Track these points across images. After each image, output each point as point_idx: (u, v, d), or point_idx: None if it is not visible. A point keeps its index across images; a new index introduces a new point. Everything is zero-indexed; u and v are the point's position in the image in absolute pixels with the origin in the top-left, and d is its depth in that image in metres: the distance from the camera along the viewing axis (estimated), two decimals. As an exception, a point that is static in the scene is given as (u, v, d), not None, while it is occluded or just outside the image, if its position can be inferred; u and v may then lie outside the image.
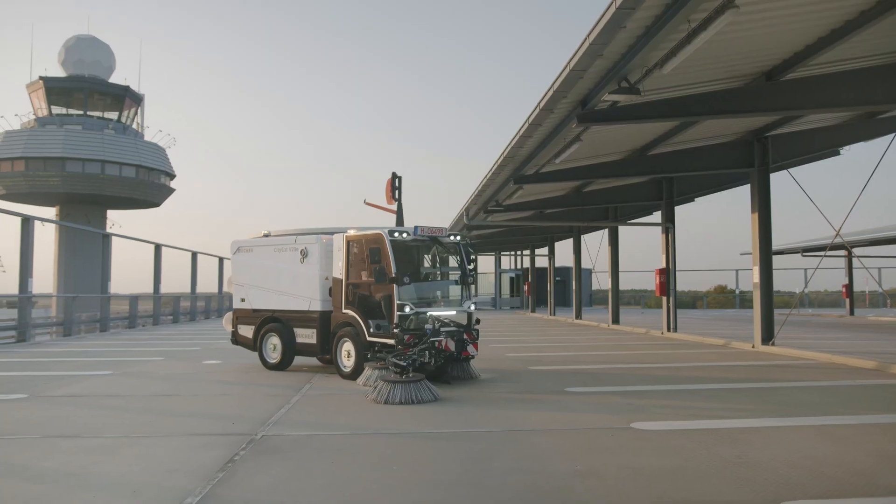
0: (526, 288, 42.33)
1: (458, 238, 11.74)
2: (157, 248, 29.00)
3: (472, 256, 12.04)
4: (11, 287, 19.93)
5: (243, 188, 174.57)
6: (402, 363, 9.45)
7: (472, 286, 11.76)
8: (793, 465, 5.75)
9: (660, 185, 21.40)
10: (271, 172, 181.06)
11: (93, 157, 52.37)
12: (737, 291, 46.70)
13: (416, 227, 11.13)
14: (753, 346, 15.97)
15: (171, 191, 59.89)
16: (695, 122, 13.82)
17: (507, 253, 53.14)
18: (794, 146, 16.79)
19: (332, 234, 12.19)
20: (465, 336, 10.99)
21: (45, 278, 54.20)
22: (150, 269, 28.90)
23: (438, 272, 12.21)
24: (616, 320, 25.62)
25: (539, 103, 9.99)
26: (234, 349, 14.67)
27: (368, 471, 5.74)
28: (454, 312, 11.31)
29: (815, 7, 8.52)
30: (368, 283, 11.10)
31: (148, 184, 56.12)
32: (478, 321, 11.57)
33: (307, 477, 5.53)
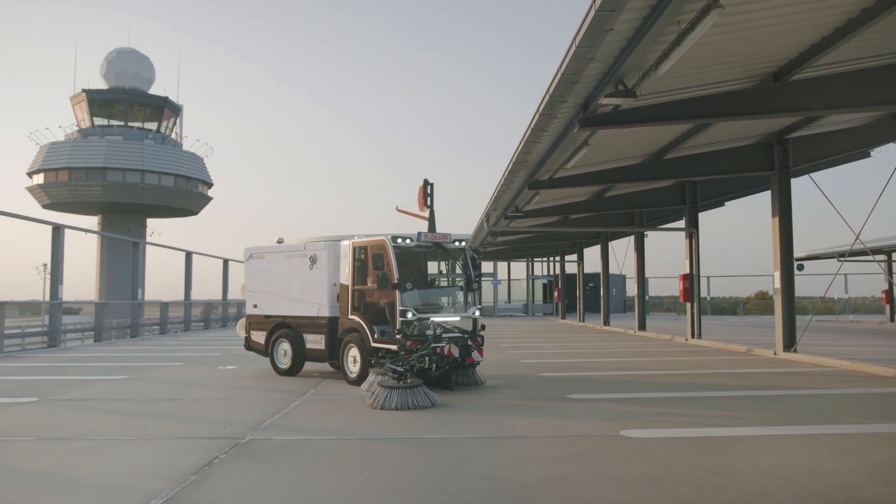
0: (556, 294, 42.00)
1: (464, 244, 11.72)
2: (188, 255, 29.57)
3: (478, 262, 12.00)
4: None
5: (280, 196, 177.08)
6: (399, 368, 9.45)
7: (478, 292, 11.72)
8: (772, 474, 5.60)
9: (683, 190, 21.09)
10: (308, 180, 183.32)
11: (133, 166, 53.68)
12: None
13: (419, 234, 11.15)
14: (775, 353, 15.60)
15: (209, 199, 61.03)
16: (708, 125, 13.59)
17: (540, 259, 52.83)
18: (817, 148, 16.39)
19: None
20: (469, 342, 10.96)
21: (89, 285, 55.80)
22: (194, 276, 29.51)
23: (444, 278, 12.20)
24: (642, 326, 25.28)
25: (538, 108, 9.94)
26: (252, 355, 14.83)
27: (338, 476, 5.76)
28: (458, 318, 11.28)
29: (811, 6, 8.32)
30: (373, 289, 11.14)
31: (186, 192, 57.27)
32: (483, 327, 11.54)
33: (275, 482, 5.56)
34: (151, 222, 60.07)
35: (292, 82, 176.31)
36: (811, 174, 18.56)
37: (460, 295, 11.80)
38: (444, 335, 10.73)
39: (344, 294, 11.76)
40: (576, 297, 36.95)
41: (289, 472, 5.86)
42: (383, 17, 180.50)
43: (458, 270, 11.90)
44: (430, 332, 10.53)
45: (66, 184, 52.91)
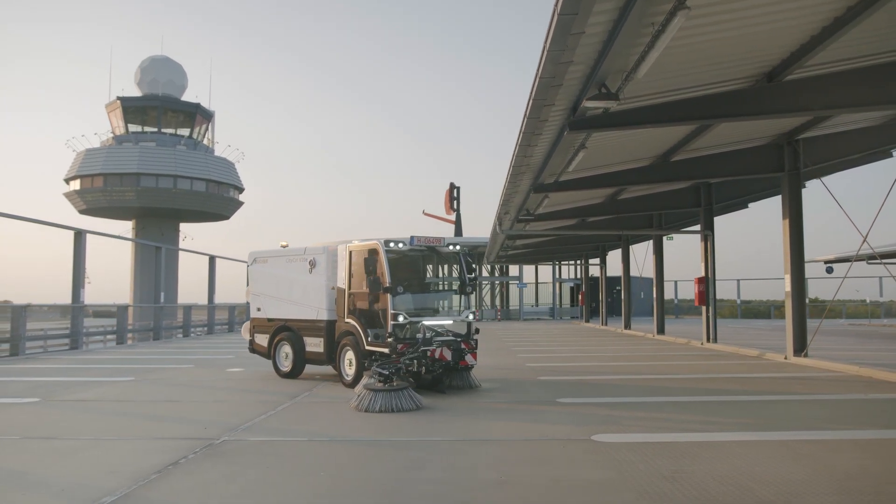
0: (580, 298, 41.75)
1: (458, 248, 11.76)
2: (212, 259, 30.11)
3: (473, 266, 12.04)
4: (96, 297, 21.09)
5: (310, 199, 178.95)
6: (384, 371, 9.52)
7: (472, 295, 11.76)
8: (725, 481, 5.54)
9: (698, 192, 20.84)
10: (339, 183, 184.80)
11: (166, 172, 54.74)
12: (807, 300, 44.72)
13: (412, 237, 11.22)
14: (786, 358, 15.33)
15: (240, 204, 61.94)
16: (710, 127, 13.43)
17: (567, 262, 52.49)
18: (830, 149, 16.01)
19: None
20: (463, 345, 11.00)
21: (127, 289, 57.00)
22: (223, 280, 30.14)
23: (439, 282, 12.28)
24: (661, 330, 25.00)
25: (525, 112, 9.94)
26: (260, 357, 15.04)
27: (293, 477, 5.86)
28: (451, 322, 11.32)
29: (793, 4, 8.19)
30: (367, 292, 11.24)
31: (217, 197, 58.20)
32: (477, 331, 11.57)
33: (230, 481, 5.69)
34: (184, 227, 61.19)
35: (323, 86, 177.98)
36: (828, 176, 18.23)
37: (455, 298, 11.86)
38: (436, 339, 10.79)
39: (340, 298, 11.89)
40: (604, 301, 36.72)
41: (247, 473, 5.99)
42: (414, 20, 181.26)
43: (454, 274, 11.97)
44: (419, 336, 10.60)
45: (101, 189, 54.18)
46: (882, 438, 7.32)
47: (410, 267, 12.00)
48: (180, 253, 49.14)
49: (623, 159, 16.30)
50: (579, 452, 6.61)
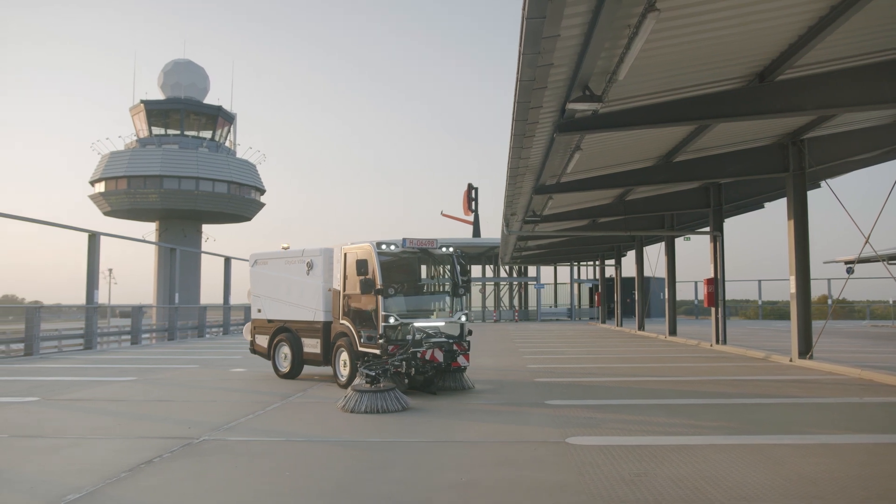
0: (596, 299, 41.55)
1: (451, 250, 11.82)
2: (227, 260, 30.44)
3: (467, 268, 12.08)
4: (124, 298, 21.53)
5: (331, 200, 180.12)
6: (371, 373, 9.60)
7: (465, 297, 11.80)
8: (682, 483, 5.53)
9: (708, 192, 20.65)
10: (360, 184, 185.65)
11: (188, 174, 55.46)
12: (829, 301, 44.11)
13: (403, 240, 11.30)
14: (791, 360, 15.15)
15: (262, 205, 62.54)
16: (708, 128, 13.31)
17: (586, 263, 52.22)
18: (839, 149, 15.76)
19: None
20: (455, 347, 11.04)
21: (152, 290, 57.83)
22: (242, 281, 30.54)
23: (433, 284, 12.33)
24: (673, 332, 24.79)
25: (512, 114, 9.96)
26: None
27: (258, 476, 5.96)
28: (443, 323, 11.36)
29: (771, 4, 8.13)
30: (360, 294, 11.33)
31: (239, 199, 58.84)
32: (470, 332, 11.62)
33: (195, 480, 5.81)
34: (206, 228, 61.93)
35: (344, 87, 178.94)
36: (837, 177, 18.02)
37: (447, 300, 11.90)
38: (427, 340, 10.84)
39: (336, 299, 12.01)
40: (623, 301, 36.52)
41: (215, 472, 6.11)
42: (432, 21, 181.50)
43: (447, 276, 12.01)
44: (409, 337, 10.66)
45: (125, 191, 55.05)
46: (860, 443, 7.24)
47: (404, 269, 12.06)
48: (204, 255, 49.72)
49: (624, 160, 16.22)
50: (549, 455, 6.63)
